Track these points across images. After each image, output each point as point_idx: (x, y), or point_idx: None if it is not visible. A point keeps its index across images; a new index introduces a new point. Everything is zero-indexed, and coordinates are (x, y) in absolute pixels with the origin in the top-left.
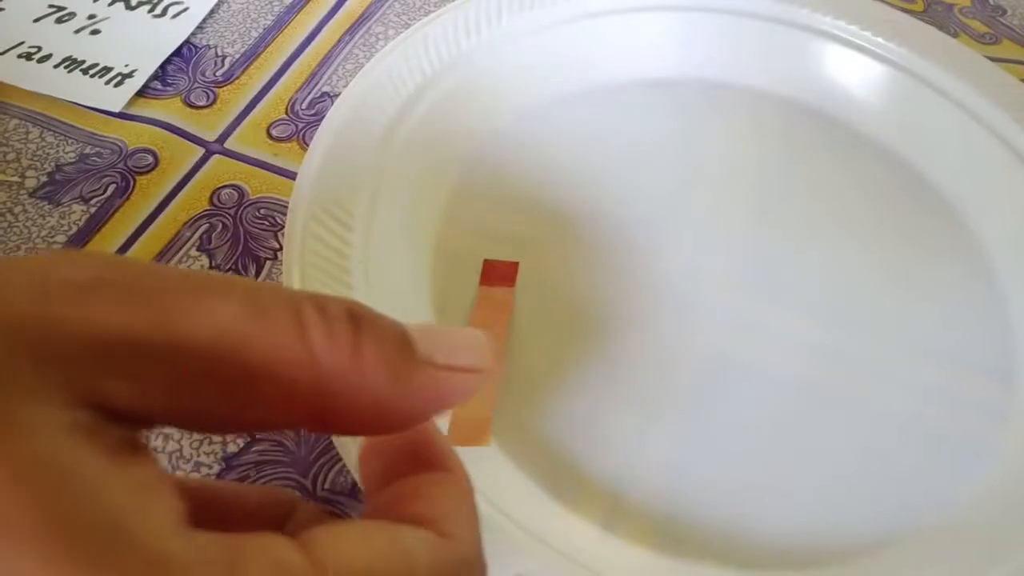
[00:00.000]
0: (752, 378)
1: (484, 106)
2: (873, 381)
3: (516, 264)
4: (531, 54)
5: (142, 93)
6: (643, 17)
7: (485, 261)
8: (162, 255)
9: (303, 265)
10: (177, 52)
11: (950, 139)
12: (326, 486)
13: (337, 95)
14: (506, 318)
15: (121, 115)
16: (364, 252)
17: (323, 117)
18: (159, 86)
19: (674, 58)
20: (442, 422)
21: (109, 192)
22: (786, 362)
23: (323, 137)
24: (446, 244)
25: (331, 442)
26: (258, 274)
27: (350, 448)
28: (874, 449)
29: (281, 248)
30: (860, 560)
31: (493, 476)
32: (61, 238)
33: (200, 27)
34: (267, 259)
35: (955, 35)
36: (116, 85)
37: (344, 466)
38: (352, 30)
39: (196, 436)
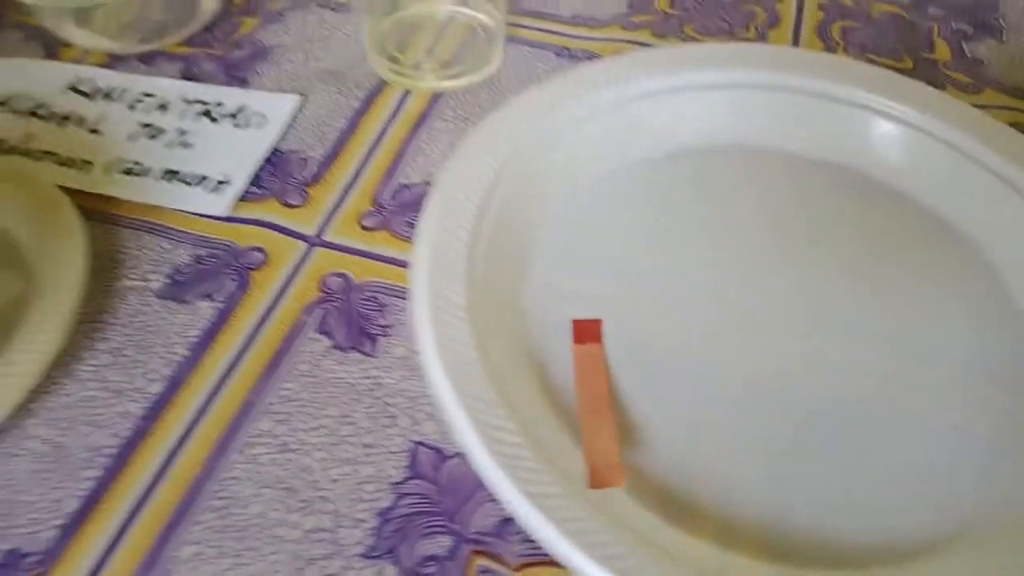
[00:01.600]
0: (825, 404)
1: (560, 179)
2: (927, 397)
3: (600, 321)
4: (609, 126)
5: (242, 197)
6: (720, 93)
7: (574, 321)
8: (288, 339)
9: (437, 349)
10: (266, 158)
11: (958, 181)
12: (473, 530)
13: (413, 186)
14: (604, 371)
15: (227, 219)
16: (477, 326)
17: (405, 206)
18: (255, 190)
19: (753, 128)
20: (579, 471)
21: (230, 288)
22: (853, 387)
23: (426, 227)
24: (537, 307)
25: (474, 488)
26: (373, 349)
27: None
28: (933, 457)
29: (391, 325)
30: (928, 556)
31: (621, 514)
32: (195, 333)
33: (282, 134)
34: (379, 335)
35: (943, 87)
36: (217, 192)
37: (489, 507)
38: (416, 128)
39: (351, 495)
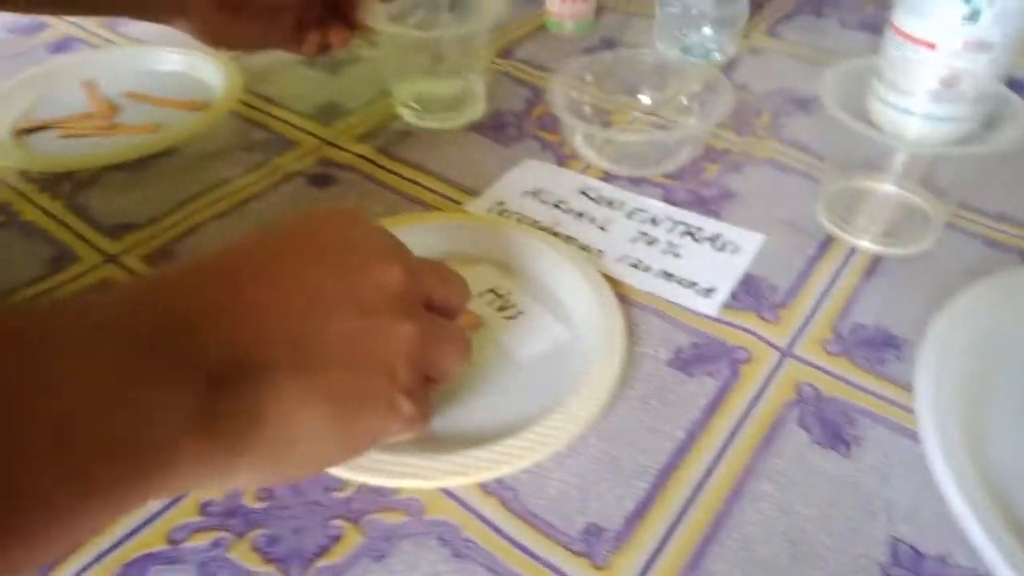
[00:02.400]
0: None
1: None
2: None
3: None
4: None
5: (725, 304)
6: None
7: None
8: (775, 424)
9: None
10: (741, 278)
11: None
12: None
13: (867, 327)
14: None
15: (715, 319)
16: (975, 457)
17: (862, 343)
18: (734, 302)
19: None
20: None
21: (725, 374)
22: None
23: (924, 374)
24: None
25: None
26: (848, 452)
27: None
28: None
29: (862, 436)
30: None
31: None
32: (703, 400)
33: (752, 261)
34: (851, 443)
35: None
36: (705, 296)
37: None
38: (864, 279)
39: (843, 563)
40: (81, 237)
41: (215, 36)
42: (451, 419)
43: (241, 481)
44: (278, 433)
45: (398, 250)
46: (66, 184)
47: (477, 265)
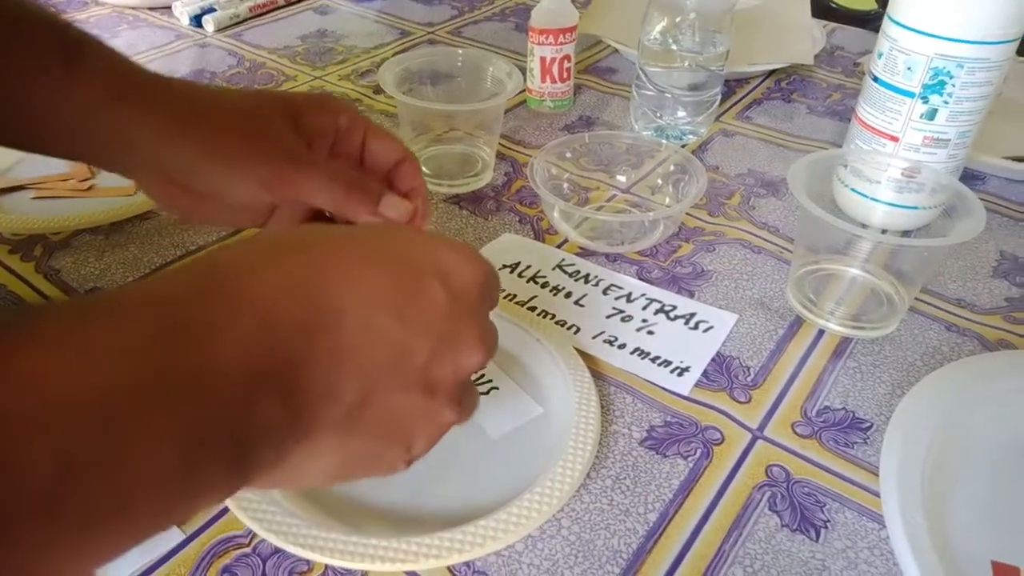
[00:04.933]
0: None
1: (979, 438)
2: None
3: (1019, 570)
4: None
5: (698, 384)
6: None
7: (993, 563)
8: (746, 506)
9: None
10: (714, 358)
11: None
12: None
13: (834, 410)
14: None
15: (688, 398)
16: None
17: (830, 425)
18: (707, 381)
19: None
20: None
21: (697, 455)
22: None
23: (889, 460)
24: (961, 542)
25: None
26: (817, 537)
27: None
28: None
29: (830, 521)
30: None
31: None
32: (676, 481)
33: (725, 341)
34: (822, 527)
35: None
36: (678, 375)
37: None
38: (832, 361)
39: None
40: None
41: (173, 209)
42: (421, 499)
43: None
44: (293, 463)
45: (491, 333)
46: (39, 246)
47: None
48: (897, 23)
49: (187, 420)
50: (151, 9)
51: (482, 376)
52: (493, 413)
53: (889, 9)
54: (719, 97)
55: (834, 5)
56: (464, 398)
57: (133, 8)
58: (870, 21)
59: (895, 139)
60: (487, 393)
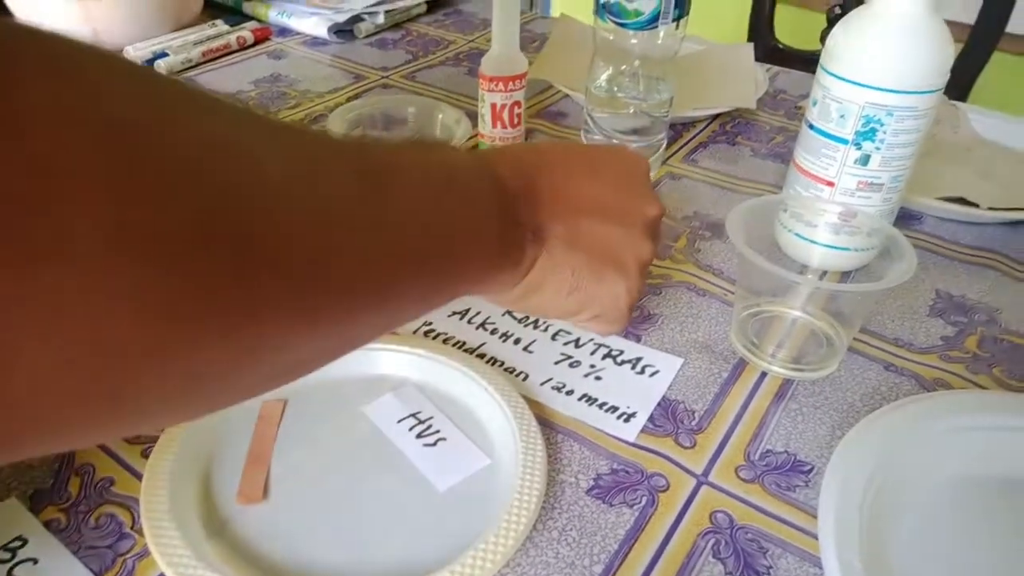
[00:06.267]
0: None
1: (915, 479)
2: None
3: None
4: (947, 447)
5: (644, 429)
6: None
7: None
8: (691, 554)
9: None
10: (660, 402)
11: None
12: None
13: (776, 453)
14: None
15: (634, 444)
16: None
17: (772, 469)
18: (652, 426)
19: None
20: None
21: (643, 503)
22: None
23: (827, 504)
24: None
25: None
26: None
27: None
28: None
29: (772, 567)
30: None
31: None
32: (621, 531)
33: (670, 385)
34: (764, 574)
35: None
36: (625, 421)
37: None
38: (774, 403)
39: None
40: None
41: None
42: (366, 557)
43: (502, 302)
44: (535, 279)
45: (658, 196)
46: None
47: (401, 387)
48: (829, 73)
49: (499, 207)
50: None
51: (430, 426)
52: (440, 465)
53: (822, 60)
54: (665, 141)
55: (780, 46)
56: (655, 238)
57: None
58: (815, 61)
59: (831, 184)
60: (434, 444)
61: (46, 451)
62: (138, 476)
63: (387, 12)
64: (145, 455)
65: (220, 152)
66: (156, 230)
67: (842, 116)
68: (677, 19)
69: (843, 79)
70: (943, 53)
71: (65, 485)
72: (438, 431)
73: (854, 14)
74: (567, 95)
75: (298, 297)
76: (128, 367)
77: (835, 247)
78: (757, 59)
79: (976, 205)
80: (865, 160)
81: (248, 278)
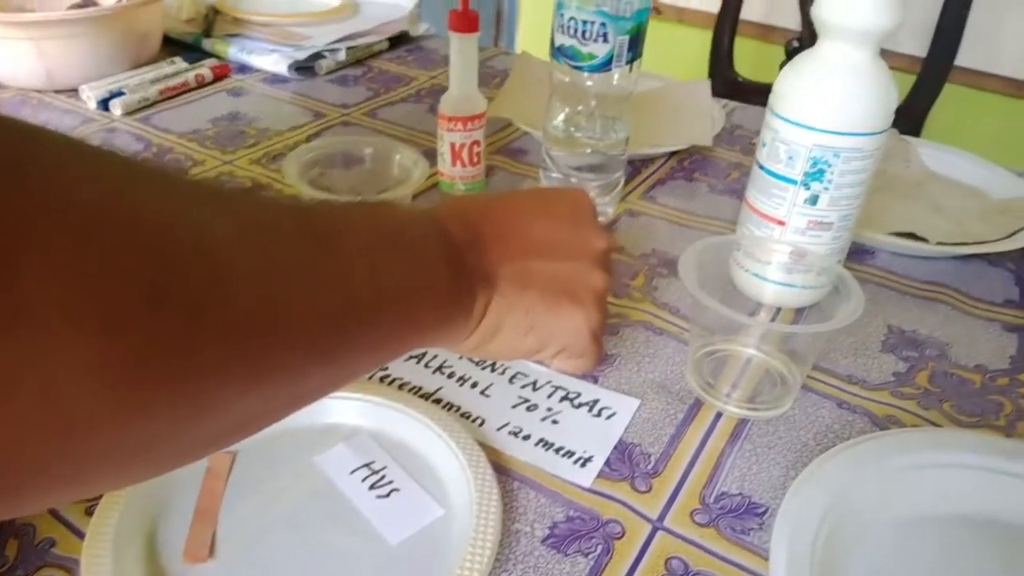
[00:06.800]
0: None
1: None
2: None
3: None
4: (902, 484)
5: (600, 474)
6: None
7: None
8: None
9: None
10: (616, 445)
11: None
12: None
13: (731, 495)
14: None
15: (591, 490)
16: None
17: (727, 512)
18: (609, 471)
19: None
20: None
21: (598, 551)
22: None
23: (778, 549)
24: None
25: None
26: None
27: None
28: None
29: None
30: None
31: None
32: None
33: (627, 428)
34: None
35: None
36: (581, 466)
37: None
38: (729, 443)
39: None
40: None
41: None
42: None
43: (462, 350)
44: (491, 323)
45: (605, 231)
46: None
47: (355, 435)
48: (778, 116)
49: (446, 258)
50: (57, 92)
51: (383, 476)
52: (393, 517)
53: (770, 103)
54: (623, 179)
55: (740, 79)
56: (607, 269)
57: (38, 91)
58: None
59: (782, 223)
60: (387, 496)
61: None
62: (81, 535)
63: (349, 49)
64: (89, 512)
65: (167, 226)
66: (106, 303)
67: (791, 157)
68: (631, 62)
69: (791, 122)
70: (888, 95)
71: (2, 548)
72: (391, 481)
73: (800, 58)
74: (527, 132)
75: (246, 358)
76: (81, 433)
77: (787, 285)
78: (717, 92)
79: (926, 240)
80: (814, 200)
81: (196, 343)
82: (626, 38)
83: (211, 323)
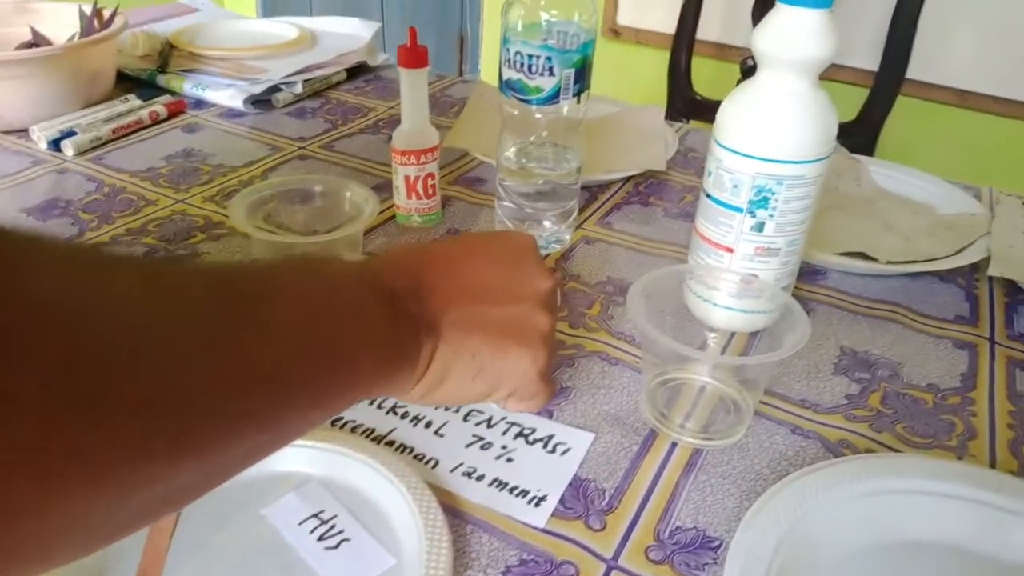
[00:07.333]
0: None
1: (822, 549)
2: None
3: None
4: (857, 512)
5: (555, 513)
6: (927, 498)
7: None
8: None
9: None
10: (571, 482)
11: None
12: None
13: (686, 529)
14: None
15: (545, 530)
16: None
17: (682, 547)
18: (563, 509)
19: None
20: None
21: None
22: None
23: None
24: None
25: None
26: None
27: None
28: None
29: None
30: None
31: None
32: None
33: (581, 463)
34: None
35: None
36: (535, 505)
37: None
38: (684, 475)
39: None
40: None
41: None
42: None
43: (410, 399)
44: (438, 369)
45: (549, 270)
46: None
47: (305, 484)
48: (721, 145)
49: (383, 308)
50: (6, 133)
51: (333, 527)
52: (342, 569)
53: (714, 133)
54: (577, 207)
55: (698, 97)
56: (552, 310)
57: None
58: None
59: (730, 250)
60: (336, 547)
61: None
62: None
63: (306, 81)
64: None
65: (71, 309)
66: (7, 393)
67: (735, 186)
68: (578, 94)
69: (734, 151)
70: (828, 122)
71: None
72: (342, 531)
73: (740, 88)
74: (484, 161)
75: (164, 432)
76: (2, 523)
77: (739, 310)
78: (677, 111)
79: (876, 259)
80: (760, 227)
81: (108, 426)
82: (572, 71)
83: (122, 406)
